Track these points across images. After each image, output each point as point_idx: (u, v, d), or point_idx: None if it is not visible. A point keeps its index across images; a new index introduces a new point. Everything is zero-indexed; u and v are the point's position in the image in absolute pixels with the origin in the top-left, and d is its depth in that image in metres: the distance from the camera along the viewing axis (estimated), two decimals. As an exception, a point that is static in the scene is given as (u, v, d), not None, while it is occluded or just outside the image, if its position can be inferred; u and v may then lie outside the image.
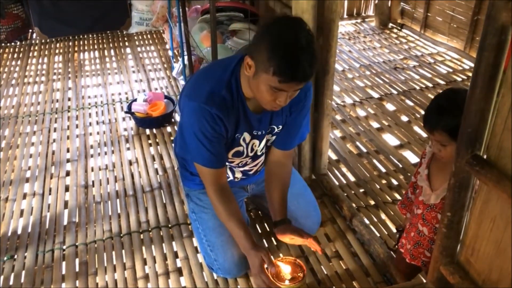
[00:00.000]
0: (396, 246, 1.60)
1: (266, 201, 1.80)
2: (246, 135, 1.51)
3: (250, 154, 1.58)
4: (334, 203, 2.00)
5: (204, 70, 1.53)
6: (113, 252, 1.79)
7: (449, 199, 1.19)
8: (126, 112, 2.60)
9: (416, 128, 2.65)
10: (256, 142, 1.55)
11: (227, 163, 1.60)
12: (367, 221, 1.88)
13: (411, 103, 2.92)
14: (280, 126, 1.57)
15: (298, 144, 1.74)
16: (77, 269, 1.73)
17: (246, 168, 1.65)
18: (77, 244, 1.83)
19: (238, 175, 1.68)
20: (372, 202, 2.06)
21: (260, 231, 1.88)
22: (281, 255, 1.75)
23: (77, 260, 1.76)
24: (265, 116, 1.50)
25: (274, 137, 1.61)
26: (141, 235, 1.87)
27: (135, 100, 2.63)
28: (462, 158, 1.10)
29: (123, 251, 1.80)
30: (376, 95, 3.01)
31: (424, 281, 1.31)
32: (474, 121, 1.06)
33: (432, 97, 2.99)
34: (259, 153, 1.61)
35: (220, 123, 1.41)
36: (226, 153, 1.53)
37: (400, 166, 2.31)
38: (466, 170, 1.11)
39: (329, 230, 1.87)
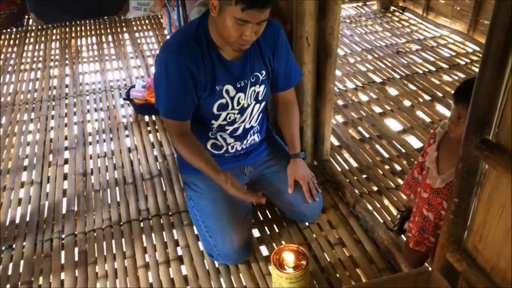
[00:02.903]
0: (396, 227, 1.57)
1: (265, 187, 1.77)
2: (230, 88, 1.52)
3: (236, 107, 1.56)
4: (337, 189, 1.97)
5: (177, 30, 1.53)
6: (113, 241, 1.77)
7: (456, 184, 1.16)
8: (124, 99, 2.56)
9: (419, 113, 2.61)
10: (242, 95, 1.55)
11: (216, 128, 1.60)
12: (370, 208, 1.85)
13: (414, 87, 2.87)
14: (264, 72, 1.57)
15: (298, 80, 1.73)
16: (76, 258, 1.70)
17: (236, 125, 1.62)
18: (76, 233, 1.81)
19: (230, 140, 1.65)
20: (375, 188, 2.03)
21: (261, 218, 1.85)
22: (283, 242, 1.72)
23: (76, 249, 1.74)
24: (245, 63, 1.52)
25: (262, 87, 1.59)
26: (141, 223, 1.84)
27: (133, 86, 2.59)
28: (470, 142, 1.07)
29: (123, 239, 1.77)
30: (378, 80, 2.96)
31: (430, 268, 1.28)
32: (484, 104, 1.02)
33: (436, 81, 2.98)
34: (245, 106, 1.58)
35: (188, 74, 1.44)
36: (210, 108, 1.53)
37: (403, 151, 2.28)
38: (474, 155, 1.08)
39: (331, 216, 1.84)
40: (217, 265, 1.65)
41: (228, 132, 1.62)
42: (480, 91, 1.02)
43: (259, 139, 1.74)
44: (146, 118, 2.53)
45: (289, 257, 1.46)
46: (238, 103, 1.55)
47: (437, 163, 1.34)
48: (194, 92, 1.48)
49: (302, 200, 1.71)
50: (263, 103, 1.66)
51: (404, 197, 1.95)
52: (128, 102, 2.58)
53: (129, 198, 1.97)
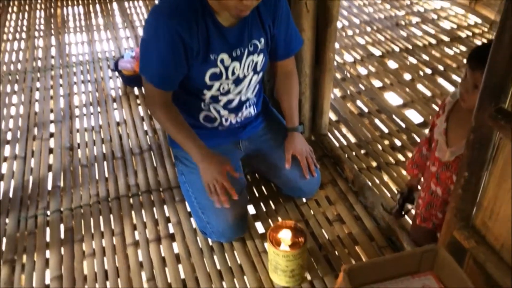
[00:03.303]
0: (394, 210, 1.50)
1: (261, 163, 1.69)
2: (225, 57, 1.41)
3: (231, 77, 1.46)
4: (335, 164, 1.89)
5: None
6: (101, 218, 1.69)
7: (467, 157, 1.08)
8: (112, 70, 2.44)
9: (420, 87, 2.52)
10: (237, 65, 1.44)
11: (209, 99, 1.51)
12: (369, 183, 1.77)
13: (414, 61, 2.77)
14: (263, 40, 1.47)
15: (299, 49, 1.64)
16: (62, 236, 1.62)
17: (230, 97, 1.52)
18: (62, 209, 1.72)
19: (224, 113, 1.55)
20: (374, 164, 1.95)
21: (257, 194, 1.77)
22: (279, 219, 1.65)
23: (62, 226, 1.66)
24: (243, 30, 1.41)
25: (261, 57, 1.49)
26: (131, 200, 1.76)
27: (122, 57, 2.46)
28: (484, 111, 0.99)
29: (111, 216, 1.69)
30: (377, 53, 2.86)
31: (435, 246, 1.21)
32: (500, 71, 0.93)
33: (437, 54, 2.88)
34: (242, 77, 1.48)
35: (179, 40, 1.32)
36: (201, 78, 1.43)
37: (403, 126, 2.20)
38: (488, 125, 1.00)
39: (330, 192, 1.77)
40: (210, 243, 1.57)
41: (221, 103, 1.53)
42: (497, 55, 0.93)
43: (255, 112, 1.65)
44: (136, 90, 2.42)
45: (286, 234, 1.38)
46: (233, 73, 1.45)
47: (446, 135, 1.26)
48: (185, 60, 1.37)
49: (300, 176, 1.63)
50: (261, 74, 1.56)
51: (404, 173, 1.88)
52: (116, 73, 2.47)
53: (118, 173, 1.88)
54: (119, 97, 2.37)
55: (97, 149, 2.02)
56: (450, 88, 2.48)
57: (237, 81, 1.48)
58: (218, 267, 1.50)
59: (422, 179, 1.41)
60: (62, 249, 1.57)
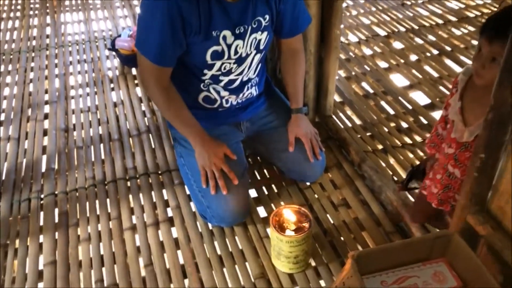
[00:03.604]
0: (407, 184, 1.44)
1: (264, 145, 1.62)
2: (227, 34, 1.33)
3: (233, 57, 1.38)
4: (341, 147, 1.82)
5: None
6: (97, 201, 1.62)
7: (484, 138, 1.01)
8: (109, 49, 2.36)
9: (427, 68, 2.44)
10: (240, 43, 1.36)
11: (209, 80, 1.44)
12: (376, 167, 1.70)
13: (420, 41, 2.68)
14: (267, 17, 1.39)
15: (307, 26, 1.56)
16: (56, 220, 1.56)
17: (232, 77, 1.45)
18: (56, 192, 1.66)
19: (225, 94, 1.48)
20: (380, 147, 1.88)
21: (259, 178, 1.71)
22: (282, 203, 1.59)
23: (56, 210, 1.59)
24: (247, 6, 1.32)
25: (264, 35, 1.41)
26: (128, 183, 1.69)
27: (119, 36, 2.38)
28: (505, 87, 0.91)
29: (108, 200, 1.63)
30: (382, 33, 2.77)
31: (448, 232, 1.15)
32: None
33: (444, 35, 2.80)
34: (244, 56, 1.40)
35: (177, 14, 1.24)
36: (202, 56, 1.35)
37: (410, 107, 2.13)
38: (509, 103, 0.92)
39: (335, 176, 1.70)
40: (210, 227, 1.51)
41: (222, 84, 1.45)
42: (523, 25, 0.86)
43: (257, 92, 1.57)
44: (133, 71, 2.34)
45: (290, 219, 1.32)
46: (236, 52, 1.37)
47: (462, 114, 1.19)
48: (183, 36, 1.29)
49: (304, 159, 1.56)
50: (264, 53, 1.48)
51: (411, 155, 1.82)
52: (113, 53, 2.39)
53: (114, 155, 1.81)
54: (116, 78, 2.29)
55: (93, 130, 1.95)
56: (458, 69, 2.40)
57: (240, 60, 1.41)
58: (219, 253, 1.44)
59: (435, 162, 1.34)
60: (56, 233, 1.51)
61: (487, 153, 1.02)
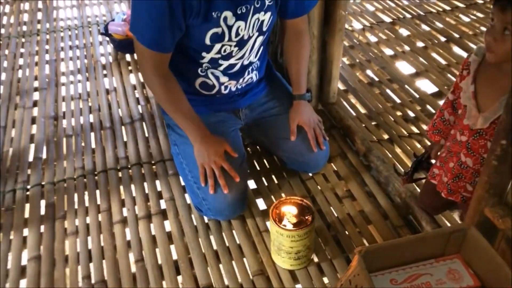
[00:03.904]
0: (408, 173, 1.35)
1: (263, 134, 1.53)
2: (229, 15, 1.21)
3: (234, 39, 1.27)
4: (345, 136, 1.72)
5: None
6: (86, 193, 1.53)
7: (505, 123, 0.91)
8: (102, 34, 2.25)
9: (434, 55, 2.33)
10: (242, 24, 1.25)
11: (207, 64, 1.34)
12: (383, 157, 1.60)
13: (427, 28, 2.58)
14: None
15: (313, 6, 1.47)
16: (42, 212, 1.46)
17: (232, 61, 1.34)
18: (43, 183, 1.56)
19: (224, 79, 1.38)
20: (386, 136, 1.78)
21: (258, 168, 1.61)
22: (283, 195, 1.49)
23: (42, 202, 1.50)
24: None
25: (268, 15, 1.31)
26: (119, 173, 1.60)
27: (112, 20, 2.27)
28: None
29: (98, 191, 1.53)
30: (388, 20, 2.66)
31: (465, 226, 1.05)
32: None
33: (451, 21, 2.69)
34: (246, 38, 1.30)
35: (179, 1, 1.14)
36: (201, 39, 1.25)
37: (417, 96, 2.03)
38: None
39: (339, 166, 1.60)
40: (206, 221, 1.42)
41: (221, 68, 1.35)
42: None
43: (258, 77, 1.47)
44: (127, 57, 2.24)
45: (291, 211, 1.23)
46: (237, 34, 1.27)
47: (476, 98, 1.09)
48: (183, 18, 1.18)
49: (306, 149, 1.46)
50: (267, 35, 1.38)
51: (419, 145, 1.72)
52: (107, 38, 2.28)
53: (106, 144, 1.72)
54: (110, 64, 2.19)
55: (84, 118, 1.85)
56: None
57: (241, 43, 1.30)
58: (215, 248, 1.35)
59: (444, 146, 1.24)
60: (42, 227, 1.41)
61: (509, 140, 0.92)
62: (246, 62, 1.38)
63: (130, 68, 2.16)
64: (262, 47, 1.41)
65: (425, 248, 1.05)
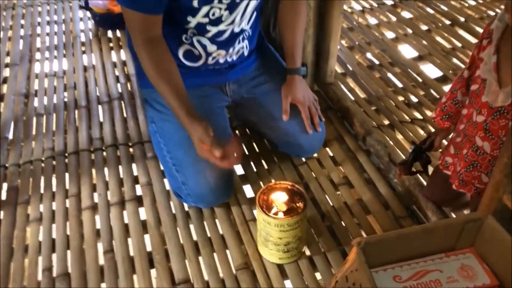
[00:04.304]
0: (405, 164, 1.20)
1: (252, 113, 1.37)
2: None
3: (224, 1, 1.12)
4: (343, 118, 1.57)
5: None
6: (54, 176, 1.37)
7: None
8: (81, 7, 2.09)
9: (439, 39, 2.19)
10: None
11: (193, 29, 1.17)
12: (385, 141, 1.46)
13: (431, 11, 2.43)
14: None
15: None
16: (3, 197, 1.31)
17: (221, 27, 1.18)
18: (7, 165, 1.41)
19: (212, 49, 1.22)
20: (386, 122, 1.64)
21: (247, 153, 1.46)
22: (273, 181, 1.34)
23: (4, 186, 1.35)
24: None
25: None
26: (92, 155, 1.44)
27: (94, -7, 2.11)
28: None
29: (67, 174, 1.38)
30: (389, 2, 2.51)
31: (481, 215, 0.91)
32: None
33: (456, 4, 2.54)
34: (238, 0, 1.14)
35: None
36: (188, 1, 1.09)
37: (420, 80, 1.88)
38: None
39: (335, 151, 1.46)
40: (186, 209, 1.27)
41: (209, 35, 1.18)
42: None
43: (249, 49, 1.31)
44: (109, 33, 2.07)
45: (280, 198, 1.08)
46: None
47: (497, 71, 0.94)
48: None
49: (300, 130, 1.31)
50: (260, 1, 1.22)
51: (422, 132, 1.58)
52: (88, 14, 2.12)
53: (80, 124, 1.56)
54: (89, 41, 2.02)
55: (58, 96, 1.69)
56: (473, 41, 2.15)
57: (232, 6, 1.14)
58: (195, 238, 1.20)
59: (457, 129, 1.09)
60: (1, 212, 1.26)
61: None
62: (237, 30, 1.21)
63: (111, 45, 2.00)
64: (255, 13, 1.25)
65: (434, 240, 0.90)
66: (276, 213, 1.05)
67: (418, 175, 1.27)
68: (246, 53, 1.31)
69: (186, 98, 1.11)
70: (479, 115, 0.97)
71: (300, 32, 1.32)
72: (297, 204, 1.07)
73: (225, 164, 1.07)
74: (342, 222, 1.23)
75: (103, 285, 1.10)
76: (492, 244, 0.88)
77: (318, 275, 1.11)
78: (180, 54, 1.23)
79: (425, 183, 1.26)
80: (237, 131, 1.52)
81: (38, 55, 1.93)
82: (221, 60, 1.26)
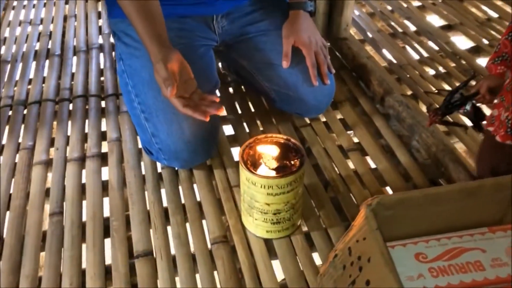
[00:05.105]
0: (445, 113, 0.95)
1: (246, 56, 1.13)
2: None
3: None
4: (358, 78, 1.32)
5: None
6: (7, 127, 1.15)
7: None
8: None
9: (472, 9, 1.92)
10: None
11: None
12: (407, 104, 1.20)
13: (462, -19, 2.16)
14: None
15: None
16: None
17: None
18: (-45, 111, 1.19)
19: None
20: (409, 92, 1.38)
21: (240, 112, 1.22)
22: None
23: None
24: None
25: None
26: (56, 106, 1.22)
27: None
28: None
29: (23, 125, 1.15)
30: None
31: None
32: None
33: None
34: None
35: None
36: None
37: (449, 50, 1.62)
38: None
39: (346, 113, 1.20)
40: (160, 170, 1.03)
41: None
42: None
43: None
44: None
45: (271, 153, 0.83)
46: None
47: None
48: None
49: (303, 79, 1.06)
50: None
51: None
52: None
53: (49, 73, 1.34)
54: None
55: (30, 44, 1.48)
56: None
57: None
58: (165, 204, 0.96)
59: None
60: None
61: None
62: None
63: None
64: None
65: (475, 208, 0.65)
66: (263, 170, 0.81)
67: (456, 128, 1.02)
68: None
69: (161, 24, 0.88)
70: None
71: None
72: (292, 162, 0.82)
73: (198, 114, 0.84)
74: (351, 194, 0.98)
75: (43, 253, 0.87)
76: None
77: (315, 257, 0.86)
78: None
79: (459, 149, 1.00)
80: (230, 89, 1.28)
81: (14, 2, 1.72)
82: None
